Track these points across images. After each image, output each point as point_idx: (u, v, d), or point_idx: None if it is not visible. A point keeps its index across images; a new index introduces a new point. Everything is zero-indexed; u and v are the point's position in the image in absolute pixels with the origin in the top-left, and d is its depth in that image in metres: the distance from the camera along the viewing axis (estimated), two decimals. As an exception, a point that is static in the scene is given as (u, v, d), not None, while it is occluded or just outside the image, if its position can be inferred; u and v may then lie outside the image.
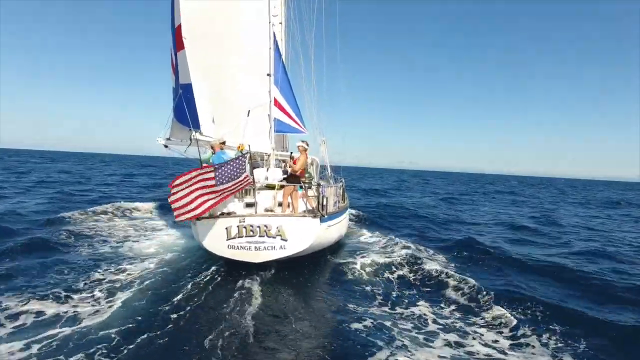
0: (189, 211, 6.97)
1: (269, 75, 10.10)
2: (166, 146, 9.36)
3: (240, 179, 7.09)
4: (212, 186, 7.05)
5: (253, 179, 7.55)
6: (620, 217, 22.78)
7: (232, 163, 7.07)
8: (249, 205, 9.31)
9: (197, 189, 6.96)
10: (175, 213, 6.96)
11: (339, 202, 9.84)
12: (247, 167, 7.14)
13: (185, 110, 8.72)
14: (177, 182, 6.84)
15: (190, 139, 7.81)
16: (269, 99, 10.18)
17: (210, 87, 8.76)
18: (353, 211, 16.52)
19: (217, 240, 7.45)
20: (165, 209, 15.14)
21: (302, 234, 7.65)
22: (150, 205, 16.31)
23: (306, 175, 8.15)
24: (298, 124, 12.86)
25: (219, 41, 9.01)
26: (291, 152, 10.47)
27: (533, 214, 21.99)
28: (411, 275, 8.13)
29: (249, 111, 9.44)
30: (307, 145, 8.75)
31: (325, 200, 7.80)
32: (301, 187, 8.43)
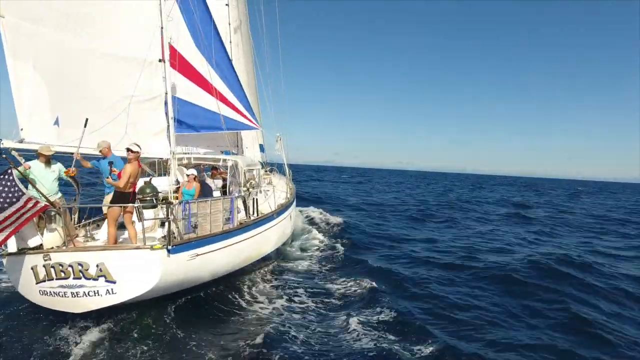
0: None
1: (161, 61, 8.08)
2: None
3: (19, 205, 4.95)
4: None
5: (50, 201, 5.46)
6: None
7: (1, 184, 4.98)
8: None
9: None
10: None
11: (235, 217, 7.29)
12: (21, 187, 4.97)
13: None
14: None
15: None
16: (165, 91, 8.16)
17: (51, 79, 6.83)
18: None
19: (27, 283, 5.57)
20: None
21: (137, 272, 5.43)
22: None
23: (147, 190, 5.70)
24: (248, 119, 10.68)
25: (74, 21, 7.08)
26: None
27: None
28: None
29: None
30: (139, 147, 6.12)
31: (176, 224, 5.43)
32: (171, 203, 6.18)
